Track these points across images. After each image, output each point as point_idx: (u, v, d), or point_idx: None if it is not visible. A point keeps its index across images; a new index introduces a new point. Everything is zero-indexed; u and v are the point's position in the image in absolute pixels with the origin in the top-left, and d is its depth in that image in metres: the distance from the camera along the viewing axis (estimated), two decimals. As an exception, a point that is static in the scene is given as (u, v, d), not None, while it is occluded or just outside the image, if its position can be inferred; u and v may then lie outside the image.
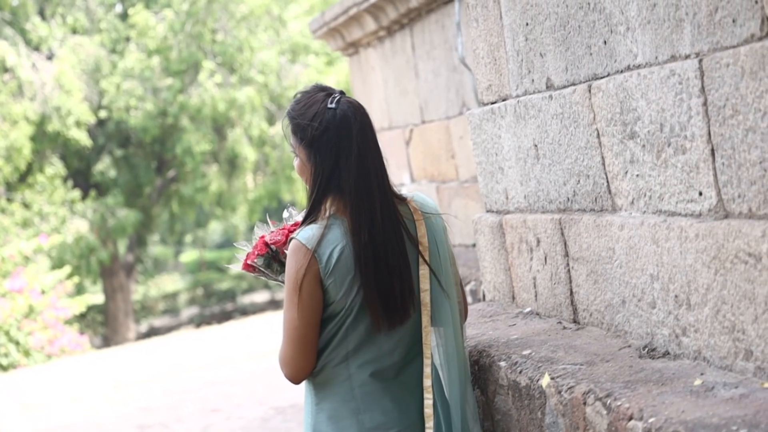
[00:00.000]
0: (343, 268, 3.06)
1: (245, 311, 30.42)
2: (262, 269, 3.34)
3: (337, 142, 3.07)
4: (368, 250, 3.05)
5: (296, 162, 3.19)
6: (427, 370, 3.16)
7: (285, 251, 3.27)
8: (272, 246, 3.31)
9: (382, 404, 3.14)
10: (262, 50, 23.61)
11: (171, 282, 37.13)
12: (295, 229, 3.30)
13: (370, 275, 3.06)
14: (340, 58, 23.73)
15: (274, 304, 30.88)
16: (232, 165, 24.62)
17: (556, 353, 3.24)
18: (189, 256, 41.30)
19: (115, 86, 22.60)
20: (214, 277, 35.12)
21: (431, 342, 3.18)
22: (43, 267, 20.28)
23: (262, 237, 3.36)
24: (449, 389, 3.21)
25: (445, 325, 3.19)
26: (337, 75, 23.19)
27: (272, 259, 3.32)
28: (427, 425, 3.14)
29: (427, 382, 3.16)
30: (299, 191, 24.64)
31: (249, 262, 3.34)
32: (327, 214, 3.12)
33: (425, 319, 3.15)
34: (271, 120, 24.35)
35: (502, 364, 3.33)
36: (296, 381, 3.18)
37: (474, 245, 6.73)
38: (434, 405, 3.18)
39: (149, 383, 13.06)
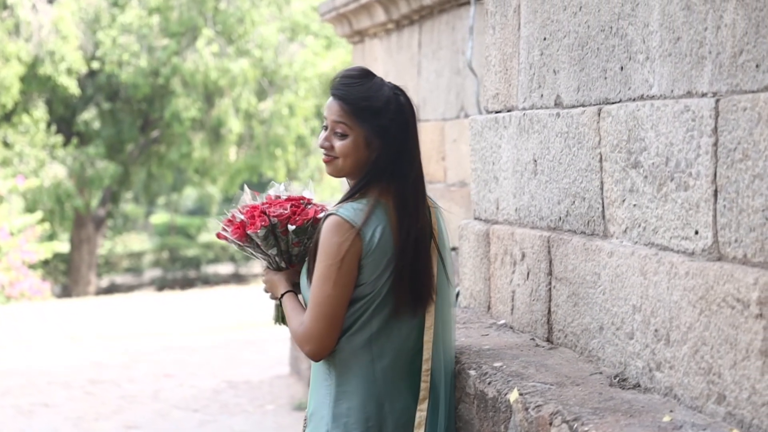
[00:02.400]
0: (382, 249, 3.09)
1: (208, 280, 30.37)
2: (258, 241, 3.29)
3: (406, 128, 3.17)
4: (411, 234, 3.11)
5: (343, 142, 3.15)
6: (427, 354, 3.20)
7: (285, 225, 3.25)
8: (272, 218, 3.27)
9: (401, 389, 3.19)
10: (263, 25, 23.53)
11: (138, 241, 36.98)
12: (296, 203, 3.30)
13: (407, 259, 3.11)
14: (338, 44, 23.68)
15: (237, 278, 30.84)
16: (216, 135, 24.53)
17: (527, 370, 3.23)
18: (159, 218, 41.14)
19: (111, 39, 22.49)
20: (181, 243, 35.02)
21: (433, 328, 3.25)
22: (16, 208, 20.17)
23: (257, 207, 3.31)
24: (444, 377, 3.25)
25: (446, 313, 3.27)
26: (334, 60, 23.16)
27: (270, 231, 3.29)
28: (419, 407, 3.19)
29: (426, 366, 3.20)
30: (280, 168, 24.56)
31: (249, 231, 3.28)
32: (366, 195, 3.15)
33: (429, 304, 3.22)
34: (261, 95, 24.26)
35: (472, 372, 3.32)
36: (318, 358, 3.18)
37: (454, 249, 6.71)
38: (432, 389, 3.22)
39: (105, 340, 13.01)
